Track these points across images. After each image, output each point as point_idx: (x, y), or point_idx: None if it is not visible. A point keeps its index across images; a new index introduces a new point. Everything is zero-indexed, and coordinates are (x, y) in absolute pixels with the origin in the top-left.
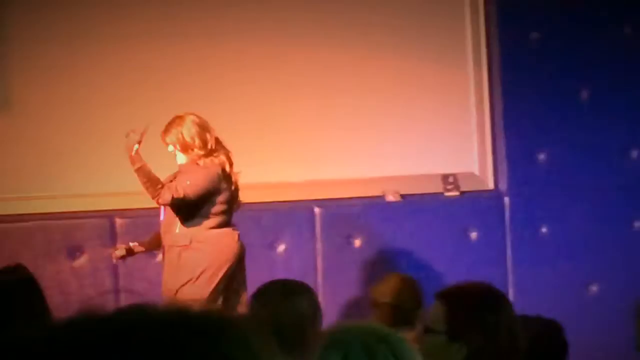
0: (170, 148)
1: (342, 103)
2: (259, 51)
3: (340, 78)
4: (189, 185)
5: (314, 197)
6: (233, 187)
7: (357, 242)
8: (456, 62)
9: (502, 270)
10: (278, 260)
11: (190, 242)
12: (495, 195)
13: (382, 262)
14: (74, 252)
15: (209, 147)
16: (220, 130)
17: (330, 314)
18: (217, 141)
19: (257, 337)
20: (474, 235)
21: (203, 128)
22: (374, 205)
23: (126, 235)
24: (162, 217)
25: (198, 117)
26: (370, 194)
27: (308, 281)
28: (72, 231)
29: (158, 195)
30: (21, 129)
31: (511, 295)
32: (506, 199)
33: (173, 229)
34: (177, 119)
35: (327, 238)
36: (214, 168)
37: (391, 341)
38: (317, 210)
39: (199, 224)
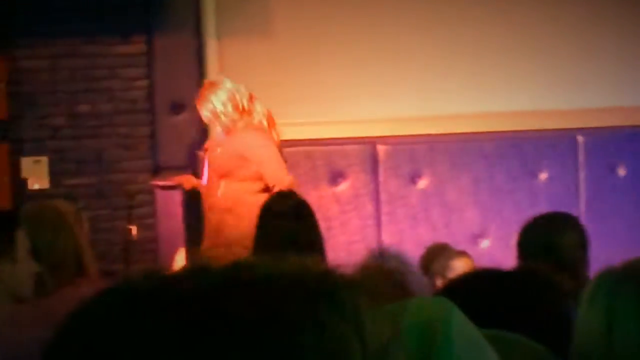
0: (206, 120)
1: (602, 28)
2: None
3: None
4: (279, 163)
5: (578, 125)
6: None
7: (622, 172)
8: None
9: None
10: (540, 189)
11: (233, 205)
12: None
13: None
14: (336, 178)
15: (241, 108)
16: (478, 54)
17: (593, 244)
18: (251, 99)
19: (353, 298)
20: None
21: (233, 92)
22: (639, 134)
23: (387, 162)
24: (204, 180)
25: (229, 81)
26: (635, 123)
27: (570, 210)
28: (334, 157)
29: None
30: (285, 57)
31: None
32: None
33: (215, 192)
34: (210, 86)
35: (590, 167)
36: (264, 135)
37: None
38: (580, 138)
39: (241, 187)
